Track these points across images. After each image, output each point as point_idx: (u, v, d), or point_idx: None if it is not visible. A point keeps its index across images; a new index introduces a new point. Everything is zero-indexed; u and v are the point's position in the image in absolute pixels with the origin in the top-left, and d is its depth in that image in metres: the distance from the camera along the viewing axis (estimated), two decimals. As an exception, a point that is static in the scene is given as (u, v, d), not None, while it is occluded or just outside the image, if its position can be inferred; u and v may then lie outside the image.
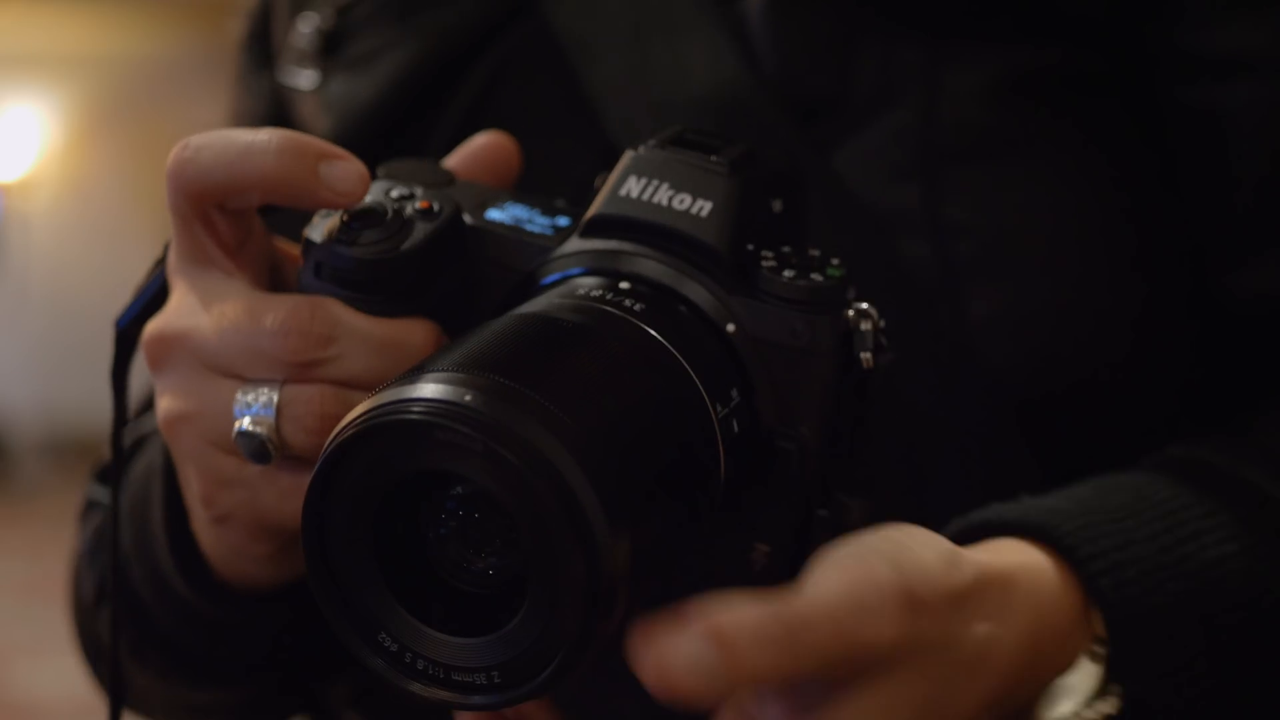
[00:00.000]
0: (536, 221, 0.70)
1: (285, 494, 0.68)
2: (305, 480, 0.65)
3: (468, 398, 0.55)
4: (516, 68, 0.89)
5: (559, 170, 0.81)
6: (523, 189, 0.76)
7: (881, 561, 0.60)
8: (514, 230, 0.70)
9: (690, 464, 0.62)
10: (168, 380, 0.68)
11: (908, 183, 0.81)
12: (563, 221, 0.71)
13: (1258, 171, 0.81)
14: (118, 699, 0.77)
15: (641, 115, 0.84)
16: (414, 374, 0.58)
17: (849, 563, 0.60)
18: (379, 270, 0.67)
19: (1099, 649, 0.69)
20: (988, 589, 0.64)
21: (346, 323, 0.66)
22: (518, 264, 0.69)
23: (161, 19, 6.50)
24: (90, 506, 0.89)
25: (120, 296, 0.75)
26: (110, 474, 0.79)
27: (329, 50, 0.92)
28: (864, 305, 0.67)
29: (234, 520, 0.69)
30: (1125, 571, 0.69)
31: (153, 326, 0.69)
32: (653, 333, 0.64)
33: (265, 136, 0.66)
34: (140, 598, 0.80)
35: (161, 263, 0.72)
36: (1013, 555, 0.68)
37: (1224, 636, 0.71)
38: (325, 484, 0.57)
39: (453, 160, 0.76)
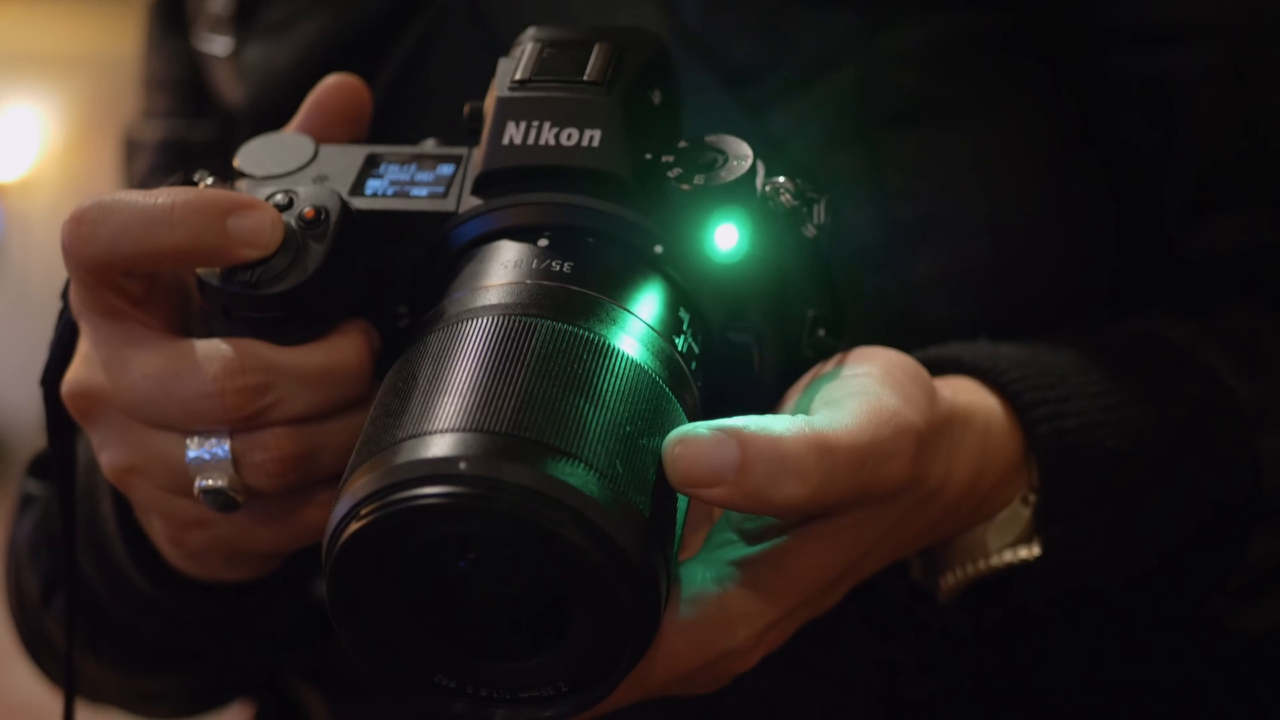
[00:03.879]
0: (419, 180, 0.68)
1: (257, 529, 0.66)
2: (276, 513, 0.65)
3: (463, 465, 0.54)
4: (442, 31, 0.87)
5: None
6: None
7: (893, 396, 0.62)
8: (402, 200, 0.67)
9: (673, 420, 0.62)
10: (104, 434, 0.66)
11: (848, 148, 0.81)
12: (446, 171, 0.68)
13: (1204, 137, 0.82)
14: (71, 695, 0.76)
15: None
16: (396, 438, 0.56)
17: (863, 398, 0.61)
18: (293, 300, 0.64)
19: (1032, 495, 0.71)
20: (952, 425, 0.66)
21: (278, 364, 0.64)
22: (418, 237, 0.67)
23: (161, 19, 6.49)
24: (27, 501, 0.88)
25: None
26: (44, 471, 0.78)
27: (244, 17, 0.90)
28: (779, 179, 0.66)
29: (209, 554, 0.69)
30: (1065, 422, 0.71)
31: (72, 380, 0.67)
32: (590, 293, 0.62)
33: (167, 202, 0.63)
34: (92, 589, 0.79)
35: (65, 312, 0.70)
36: (968, 394, 0.70)
37: (1147, 503, 0.73)
38: (341, 577, 0.57)
39: (301, 120, 0.72)
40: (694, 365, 0.64)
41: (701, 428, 0.58)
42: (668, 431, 0.60)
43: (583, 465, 0.55)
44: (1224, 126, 0.82)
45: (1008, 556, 0.71)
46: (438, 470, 0.54)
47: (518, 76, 0.67)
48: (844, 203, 0.79)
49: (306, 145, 0.70)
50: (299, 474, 0.64)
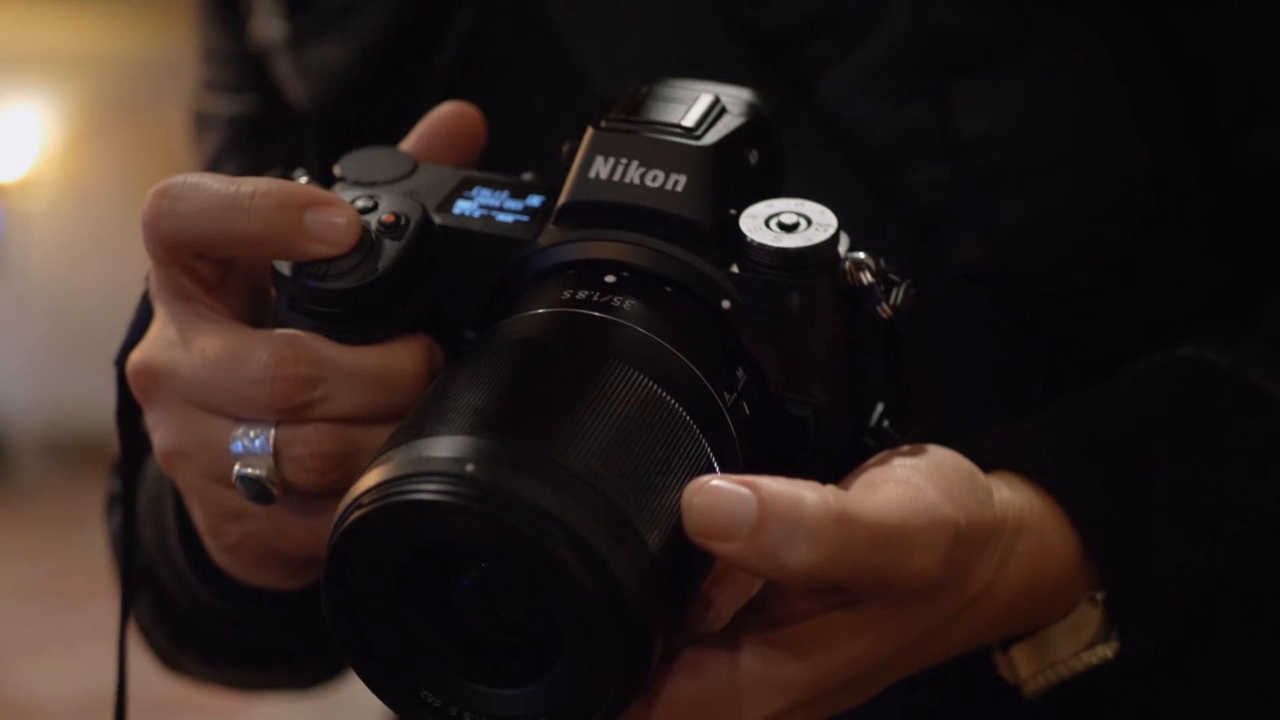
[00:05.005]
0: (508, 208, 0.67)
1: (291, 528, 0.66)
2: (311, 513, 0.64)
3: (470, 468, 0.54)
4: (497, 19, 0.86)
5: (549, 122, 0.77)
6: (512, 145, 0.73)
7: (934, 490, 0.60)
8: (486, 223, 0.67)
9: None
10: (159, 414, 0.66)
11: (913, 103, 0.78)
12: (535, 202, 0.68)
13: (1268, 40, 0.80)
14: (123, 689, 0.76)
15: (618, 61, 0.82)
16: (412, 437, 0.56)
17: (902, 485, 0.59)
18: (356, 299, 0.64)
19: (1098, 595, 0.69)
20: (1002, 531, 0.64)
21: (332, 360, 0.64)
22: (496, 260, 0.66)
23: (162, 19, 6.49)
24: (114, 500, 0.88)
25: (121, 297, 0.75)
26: (124, 487, 0.78)
27: (297, 5, 0.88)
28: (860, 255, 0.64)
29: (243, 549, 0.68)
30: (1122, 527, 0.69)
31: (137, 357, 0.67)
32: (642, 332, 0.62)
33: (248, 190, 0.63)
34: (168, 594, 0.79)
35: (147, 294, 0.70)
36: (1020, 495, 0.67)
37: (1223, 582, 0.70)
38: (340, 568, 0.56)
39: (413, 140, 0.72)
40: (740, 425, 0.63)
41: (725, 479, 0.57)
42: (686, 472, 0.58)
43: (594, 491, 0.54)
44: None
45: (1086, 659, 0.69)
46: (441, 468, 0.54)
47: (615, 114, 0.66)
48: (916, 162, 0.78)
49: (406, 161, 0.69)
50: (337, 474, 0.63)
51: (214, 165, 0.95)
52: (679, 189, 0.64)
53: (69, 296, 6.67)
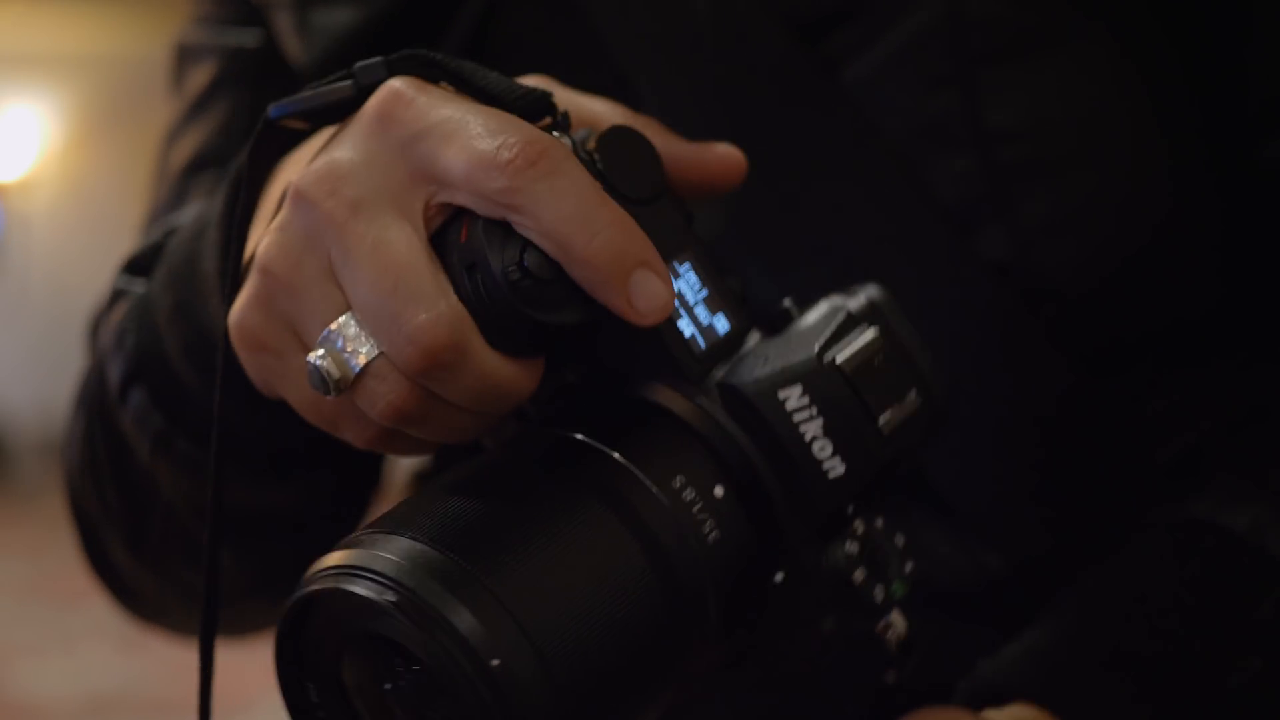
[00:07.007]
0: (694, 313, 0.62)
1: (317, 408, 0.63)
2: (341, 419, 0.62)
3: (407, 578, 0.54)
4: None
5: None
6: None
7: None
8: (664, 326, 0.61)
9: (657, 653, 0.58)
10: (302, 229, 0.59)
11: (942, 91, 0.78)
12: (721, 326, 0.63)
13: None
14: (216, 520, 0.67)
15: (644, 37, 0.80)
16: (386, 529, 0.56)
17: None
18: (554, 330, 0.59)
19: None
20: None
21: (477, 358, 0.59)
22: (636, 363, 0.62)
23: (162, 19, 6.50)
24: (116, 296, 0.82)
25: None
26: (139, 269, 0.73)
27: None
28: (901, 625, 0.63)
29: (262, 370, 0.64)
30: None
31: (317, 169, 0.60)
32: (687, 550, 0.59)
33: (609, 215, 0.57)
34: (175, 375, 0.75)
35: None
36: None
37: None
38: (296, 626, 0.57)
39: (679, 155, 0.67)
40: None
41: None
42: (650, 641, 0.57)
43: (522, 633, 0.53)
44: None
45: None
46: (381, 569, 0.54)
47: (839, 359, 0.61)
48: (943, 152, 0.77)
49: (658, 182, 0.63)
50: (390, 427, 0.60)
51: (204, 100, 0.91)
52: (833, 476, 0.61)
53: (69, 296, 6.67)
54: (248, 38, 0.90)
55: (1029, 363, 0.79)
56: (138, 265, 0.81)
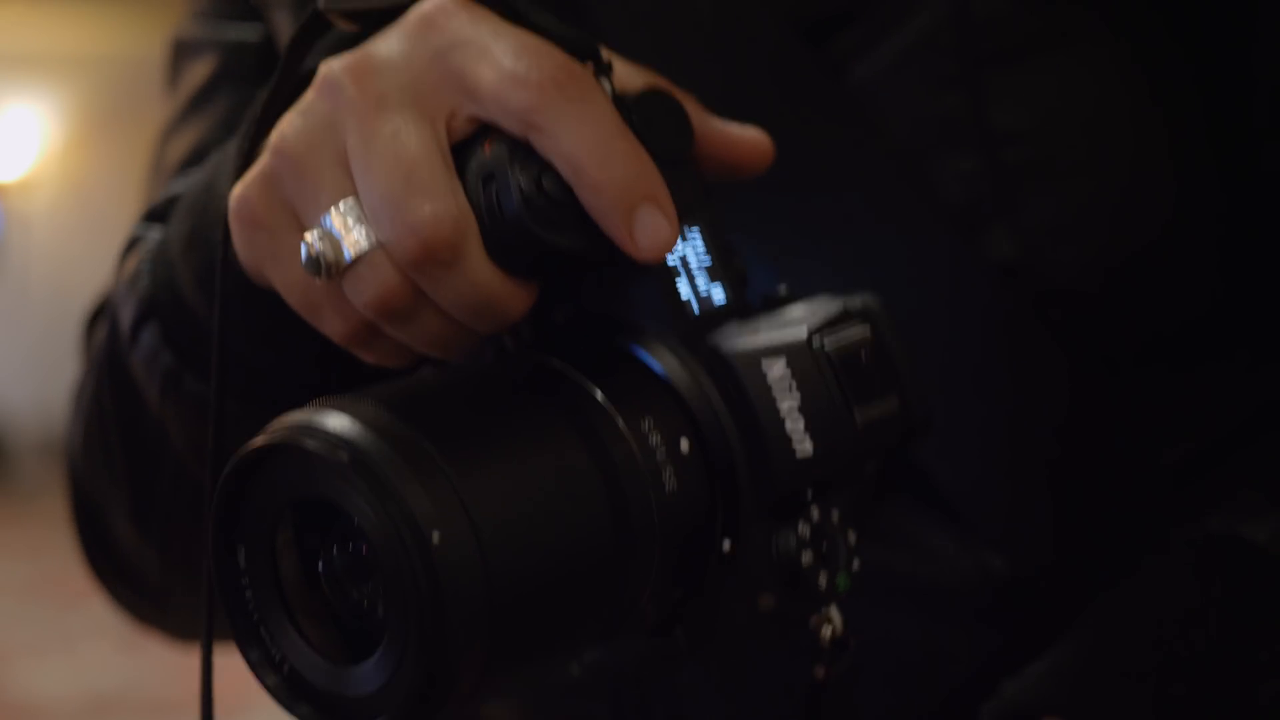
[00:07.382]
0: (694, 279, 0.63)
1: (301, 291, 0.62)
2: (327, 304, 0.62)
3: (366, 445, 0.54)
4: None
5: None
6: None
7: None
8: (663, 280, 0.63)
9: (594, 560, 0.58)
10: (315, 113, 0.60)
11: (947, 91, 0.78)
12: (717, 297, 0.63)
13: None
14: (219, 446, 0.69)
15: (649, 34, 0.80)
16: (351, 397, 0.56)
17: None
18: (551, 245, 0.60)
19: None
20: None
21: (476, 268, 0.59)
22: (627, 313, 0.62)
23: (162, 19, 6.49)
24: (134, 242, 0.81)
25: (120, 296, 0.74)
26: (158, 217, 0.73)
27: None
28: (837, 618, 0.63)
29: (257, 244, 0.64)
30: None
31: (348, 62, 0.60)
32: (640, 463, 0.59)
33: (624, 144, 0.58)
34: (188, 307, 0.74)
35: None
36: None
37: None
38: (239, 484, 0.57)
39: (712, 131, 0.67)
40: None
41: None
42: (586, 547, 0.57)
43: (465, 514, 0.54)
44: None
45: None
46: (339, 429, 0.54)
47: (828, 344, 0.62)
48: (948, 153, 0.77)
49: (686, 146, 0.64)
50: (371, 320, 0.61)
51: (203, 96, 0.90)
52: (799, 454, 0.61)
53: (69, 296, 6.67)
54: (248, 33, 0.90)
55: (1034, 364, 0.79)
56: (156, 213, 0.80)
